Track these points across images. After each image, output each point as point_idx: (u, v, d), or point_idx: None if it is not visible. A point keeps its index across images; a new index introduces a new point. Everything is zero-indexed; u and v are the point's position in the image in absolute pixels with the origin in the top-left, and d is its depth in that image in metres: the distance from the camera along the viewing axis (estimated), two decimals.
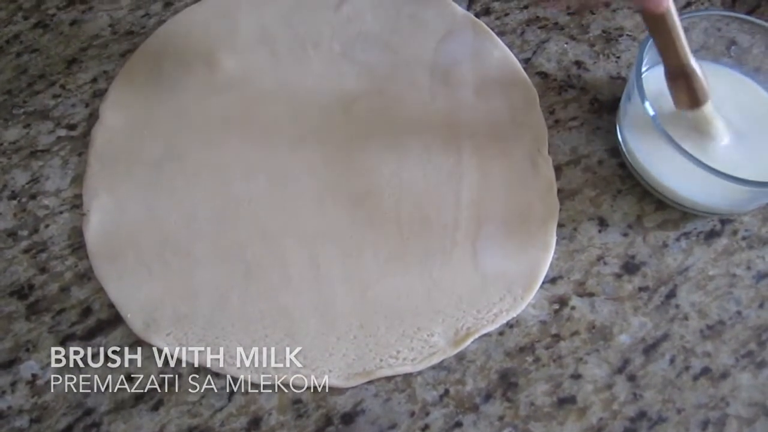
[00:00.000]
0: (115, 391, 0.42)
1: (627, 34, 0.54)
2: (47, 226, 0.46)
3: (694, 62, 0.44)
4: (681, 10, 0.55)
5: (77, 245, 0.45)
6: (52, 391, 0.42)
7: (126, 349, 0.43)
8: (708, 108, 0.45)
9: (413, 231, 0.46)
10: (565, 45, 0.53)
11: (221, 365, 0.42)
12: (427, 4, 0.54)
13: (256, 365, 0.42)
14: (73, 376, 0.42)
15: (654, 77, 0.47)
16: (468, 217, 0.46)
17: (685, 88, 0.44)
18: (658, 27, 0.42)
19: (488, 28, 0.53)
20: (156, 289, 0.44)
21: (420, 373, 0.42)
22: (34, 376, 0.42)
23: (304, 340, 0.43)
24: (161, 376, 0.42)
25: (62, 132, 0.49)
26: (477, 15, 0.54)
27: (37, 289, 0.44)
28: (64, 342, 0.43)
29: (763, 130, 0.47)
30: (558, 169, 0.48)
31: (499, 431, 0.41)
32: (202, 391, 0.42)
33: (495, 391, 0.42)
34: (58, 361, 0.42)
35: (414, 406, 0.41)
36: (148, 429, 0.41)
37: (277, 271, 0.45)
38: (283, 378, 0.41)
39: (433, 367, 0.42)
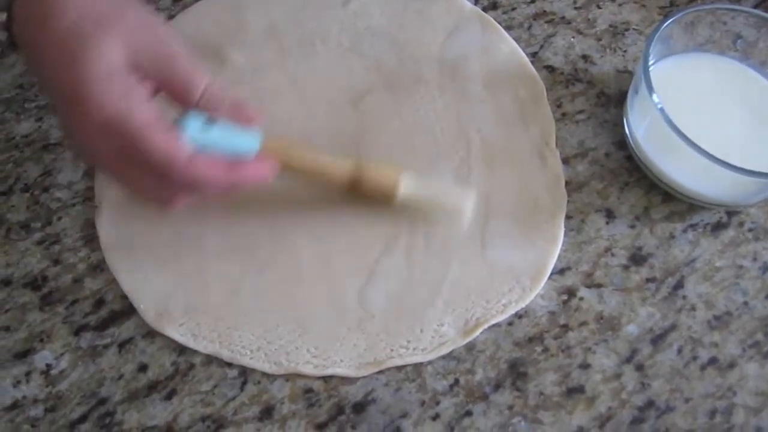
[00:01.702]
0: (129, 380, 0.42)
1: (633, 28, 0.54)
2: (60, 218, 0.47)
3: (363, 166, 0.43)
4: (687, 4, 0.55)
5: (90, 237, 0.46)
6: (66, 380, 0.42)
7: (139, 339, 0.43)
8: (404, 193, 0.43)
9: (422, 223, 0.46)
10: (572, 39, 0.54)
11: (233, 355, 0.42)
12: None
13: (268, 355, 0.42)
14: (87, 366, 0.42)
15: (661, 70, 0.48)
16: (477, 210, 0.46)
17: (368, 195, 0.44)
18: (292, 169, 0.42)
19: (495, 23, 0.54)
20: (168, 280, 0.44)
21: (430, 362, 0.43)
22: (48, 366, 0.42)
23: (315, 330, 0.43)
24: (174, 366, 0.42)
25: None
26: (484, 9, 0.55)
27: (50, 281, 0.45)
28: (77, 332, 0.43)
29: None
30: (565, 162, 0.49)
31: (508, 420, 0.41)
32: (214, 380, 0.42)
33: (504, 380, 0.42)
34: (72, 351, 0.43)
35: (424, 395, 0.42)
36: (161, 418, 0.41)
37: (288, 263, 0.45)
38: (294, 368, 0.42)
39: (443, 357, 0.43)
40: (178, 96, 0.37)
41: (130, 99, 0.34)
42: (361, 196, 0.44)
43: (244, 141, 0.39)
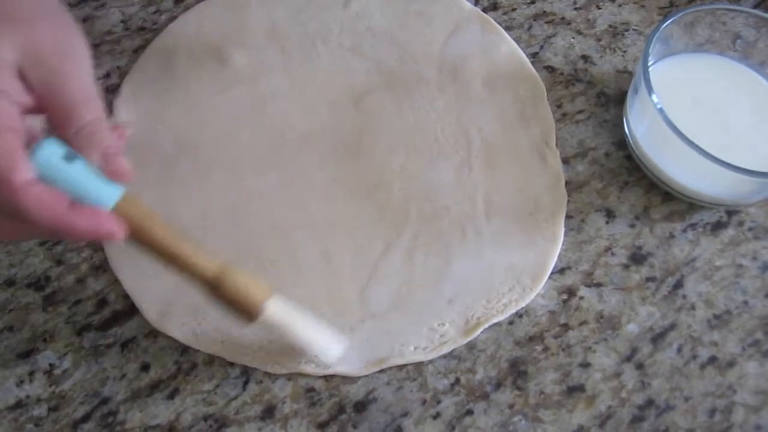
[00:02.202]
0: (131, 380, 0.42)
1: (633, 29, 0.54)
2: None
3: (227, 270, 0.37)
4: (687, 4, 0.56)
5: None
6: (69, 380, 0.42)
7: (141, 338, 0.43)
8: (271, 312, 0.38)
9: (423, 223, 0.46)
10: (572, 39, 0.54)
11: (235, 354, 0.42)
12: None
13: (270, 354, 0.42)
14: (89, 365, 0.43)
15: (660, 71, 0.48)
16: (477, 209, 0.47)
17: (226, 301, 0.37)
18: (146, 244, 0.36)
19: (495, 23, 0.54)
20: (170, 280, 0.44)
21: (431, 361, 0.43)
22: (51, 365, 0.43)
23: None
24: (176, 365, 0.43)
25: None
26: (484, 10, 0.55)
27: (53, 281, 0.45)
28: (80, 332, 0.43)
29: None
30: (566, 162, 0.49)
31: (509, 419, 0.41)
32: (216, 380, 0.42)
33: (505, 379, 0.42)
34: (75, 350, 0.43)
35: (425, 394, 0.42)
36: (164, 417, 0.41)
37: (289, 263, 0.45)
38: (296, 367, 0.42)
39: (444, 356, 0.43)
40: (54, 121, 0.33)
41: None
42: (221, 301, 0.38)
43: (100, 191, 0.34)
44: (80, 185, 0.33)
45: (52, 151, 0.33)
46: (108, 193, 0.34)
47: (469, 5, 0.55)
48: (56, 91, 0.33)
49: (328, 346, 0.41)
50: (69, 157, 0.33)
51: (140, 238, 0.36)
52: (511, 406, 0.42)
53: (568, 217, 0.47)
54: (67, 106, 0.33)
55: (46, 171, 0.33)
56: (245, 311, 0.38)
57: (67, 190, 0.33)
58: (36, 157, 0.32)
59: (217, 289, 0.37)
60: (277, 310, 0.38)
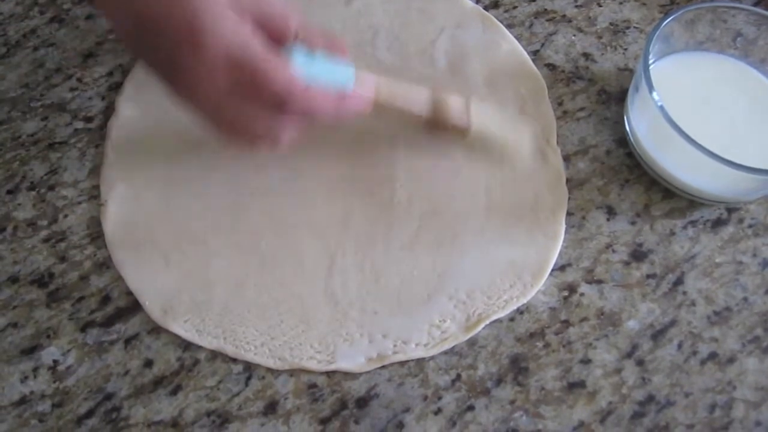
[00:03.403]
0: (135, 376, 0.42)
1: (634, 26, 0.54)
2: (66, 216, 0.47)
3: (439, 101, 0.44)
4: (688, 2, 0.56)
5: (95, 235, 0.46)
6: (73, 376, 0.42)
7: (144, 335, 0.44)
8: (477, 130, 0.44)
9: (424, 220, 0.47)
10: (573, 37, 0.54)
11: (238, 350, 0.43)
12: None
13: (272, 350, 0.43)
14: (93, 362, 0.43)
15: (661, 68, 0.48)
16: (478, 206, 0.47)
17: (445, 130, 0.45)
18: (384, 111, 0.43)
19: (497, 21, 0.54)
20: (173, 277, 0.45)
21: (432, 358, 0.43)
22: (55, 362, 0.43)
23: (319, 326, 0.43)
24: (179, 361, 0.43)
25: (79, 124, 0.50)
26: (486, 8, 0.55)
27: (57, 278, 0.45)
28: (84, 329, 0.44)
29: None
30: (566, 159, 0.49)
31: (510, 414, 0.42)
32: (219, 376, 0.42)
33: (506, 375, 0.43)
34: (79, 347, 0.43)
35: (427, 390, 0.42)
36: (167, 413, 0.42)
37: (292, 259, 0.45)
38: (298, 363, 0.42)
39: (446, 353, 0.43)
40: (273, 33, 0.38)
41: (244, 31, 0.36)
42: (438, 129, 0.45)
43: (343, 72, 0.40)
44: (330, 73, 0.39)
45: (300, 54, 0.39)
46: (348, 71, 0.40)
47: (471, 3, 0.55)
48: (268, 6, 0.38)
49: (518, 135, 0.46)
50: (310, 54, 0.39)
51: (375, 99, 0.42)
52: (512, 402, 0.42)
53: (569, 214, 0.47)
54: (281, 15, 0.39)
55: (304, 72, 0.38)
56: (460, 130, 0.44)
57: (321, 81, 0.39)
58: (294, 62, 0.38)
59: (434, 126, 0.44)
60: (478, 113, 0.44)
